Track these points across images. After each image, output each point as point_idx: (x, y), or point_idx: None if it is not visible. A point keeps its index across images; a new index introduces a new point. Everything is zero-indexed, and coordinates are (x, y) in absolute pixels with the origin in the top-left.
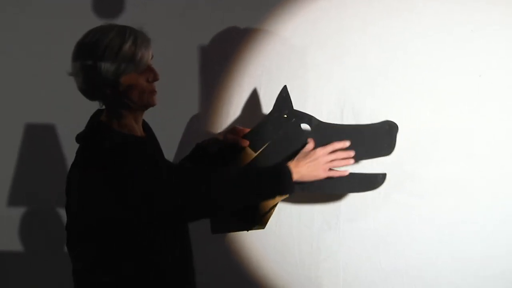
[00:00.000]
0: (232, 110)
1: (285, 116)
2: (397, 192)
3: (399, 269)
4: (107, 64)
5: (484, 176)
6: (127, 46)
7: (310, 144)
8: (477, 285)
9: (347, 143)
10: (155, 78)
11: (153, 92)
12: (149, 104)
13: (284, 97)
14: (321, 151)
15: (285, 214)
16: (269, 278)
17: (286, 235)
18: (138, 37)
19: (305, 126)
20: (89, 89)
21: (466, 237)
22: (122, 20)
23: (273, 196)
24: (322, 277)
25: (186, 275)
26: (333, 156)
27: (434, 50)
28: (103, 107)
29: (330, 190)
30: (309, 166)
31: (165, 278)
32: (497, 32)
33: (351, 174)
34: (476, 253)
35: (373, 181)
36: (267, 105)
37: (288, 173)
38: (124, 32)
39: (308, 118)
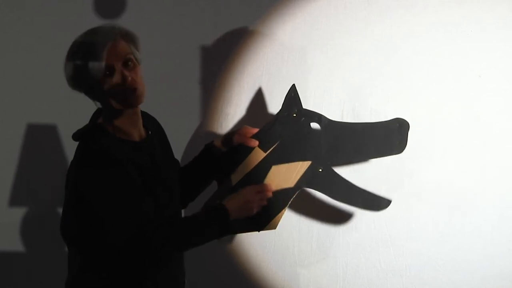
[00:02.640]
0: (232, 110)
1: (294, 115)
2: (396, 192)
3: (398, 269)
4: (77, 67)
5: (483, 176)
6: (89, 49)
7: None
8: (476, 284)
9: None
10: (124, 81)
11: (130, 92)
12: (132, 104)
13: (292, 96)
14: (252, 190)
15: (285, 214)
16: (268, 278)
17: (286, 235)
18: (104, 40)
19: (315, 125)
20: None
21: (465, 237)
22: (122, 19)
23: (211, 238)
24: (321, 277)
25: (177, 279)
26: (262, 195)
27: (434, 50)
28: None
29: (333, 196)
30: (242, 206)
31: (155, 278)
32: (497, 33)
33: (359, 188)
34: (475, 252)
35: (376, 203)
36: (268, 105)
37: (226, 216)
38: (95, 34)
39: (318, 117)
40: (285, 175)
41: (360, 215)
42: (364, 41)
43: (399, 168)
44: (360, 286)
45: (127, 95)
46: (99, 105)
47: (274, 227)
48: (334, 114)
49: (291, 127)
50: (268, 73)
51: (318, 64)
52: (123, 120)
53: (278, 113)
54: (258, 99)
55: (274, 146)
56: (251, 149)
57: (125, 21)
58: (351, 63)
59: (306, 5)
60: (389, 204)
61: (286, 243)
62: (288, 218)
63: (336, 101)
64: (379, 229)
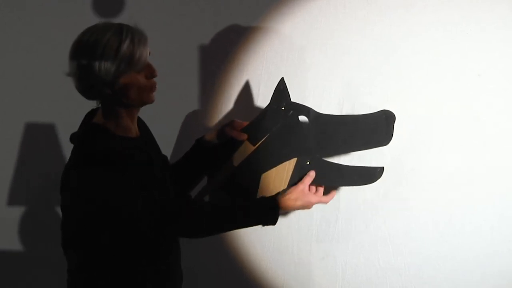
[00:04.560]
0: (231, 109)
1: (283, 108)
2: (395, 191)
3: (397, 267)
4: (106, 64)
5: (483, 175)
6: (125, 46)
7: (308, 179)
8: (476, 283)
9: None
10: (153, 75)
11: (152, 89)
12: (147, 101)
13: (281, 89)
14: (308, 191)
15: (284, 213)
16: (267, 277)
17: (285, 233)
18: (135, 36)
19: (303, 118)
20: (87, 89)
21: (464, 236)
22: (122, 19)
23: (253, 225)
24: (320, 276)
25: (174, 278)
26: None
27: (433, 50)
28: (99, 105)
29: (329, 182)
30: (298, 207)
31: (153, 280)
32: (496, 32)
33: (349, 167)
34: (475, 252)
35: (371, 175)
36: (266, 104)
37: (276, 209)
38: (121, 31)
39: (306, 110)
40: (275, 180)
41: (359, 214)
42: (363, 40)
43: (398, 168)
44: (359, 285)
45: (150, 91)
46: (95, 104)
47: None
48: (333, 113)
49: (280, 120)
50: (267, 72)
51: (317, 63)
52: (126, 117)
53: (267, 106)
54: (257, 96)
55: (263, 140)
56: (241, 142)
57: (124, 21)
58: (350, 62)
59: (306, 5)
60: (382, 172)
61: (285, 242)
62: (287, 218)
63: (335, 100)
64: (378, 228)
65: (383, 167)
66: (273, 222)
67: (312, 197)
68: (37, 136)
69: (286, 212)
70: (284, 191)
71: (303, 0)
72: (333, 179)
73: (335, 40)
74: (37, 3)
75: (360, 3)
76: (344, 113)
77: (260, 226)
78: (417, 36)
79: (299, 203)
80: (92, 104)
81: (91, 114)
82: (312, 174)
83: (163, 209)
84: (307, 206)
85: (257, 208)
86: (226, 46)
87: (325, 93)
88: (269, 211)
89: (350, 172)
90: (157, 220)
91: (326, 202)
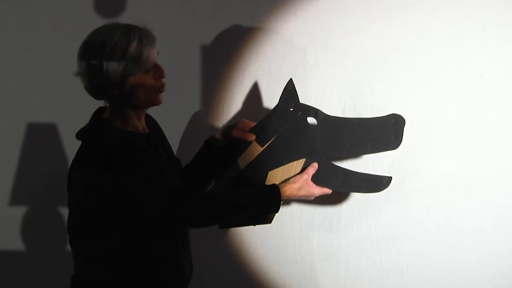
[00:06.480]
0: (233, 108)
1: (291, 109)
2: (397, 191)
3: (399, 268)
4: (114, 65)
5: (483, 175)
6: (133, 46)
7: (311, 170)
8: (476, 283)
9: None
10: (162, 75)
11: (160, 89)
12: (155, 102)
13: (290, 90)
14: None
15: (286, 212)
16: (269, 277)
17: (287, 233)
18: (143, 36)
19: (311, 120)
20: (95, 89)
21: (465, 236)
22: (123, 19)
23: (256, 211)
24: (322, 276)
25: (181, 277)
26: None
27: (435, 49)
28: (107, 105)
29: (335, 187)
30: (300, 196)
31: (160, 278)
32: (498, 31)
33: (356, 173)
34: (475, 251)
35: (378, 183)
36: (268, 104)
37: (278, 198)
38: (129, 32)
39: (315, 112)
40: (282, 178)
41: (361, 214)
42: (364, 40)
43: (400, 168)
44: (361, 286)
45: (158, 92)
46: (96, 103)
47: (269, 222)
48: (335, 112)
49: (288, 122)
50: (269, 72)
51: (319, 63)
52: (133, 116)
53: (275, 107)
54: (258, 95)
55: (271, 141)
56: (249, 143)
57: (125, 21)
58: (351, 62)
59: (307, 4)
60: (390, 181)
61: (287, 242)
62: (290, 217)
63: (337, 99)
64: (380, 228)
65: (391, 177)
66: (275, 208)
67: (314, 188)
68: (38, 136)
69: (288, 200)
70: (288, 180)
71: (305, 0)
72: (338, 185)
73: (336, 39)
74: (37, 3)
75: (362, 3)
76: (346, 112)
77: (261, 226)
78: (419, 36)
79: (301, 192)
80: (94, 104)
81: (99, 111)
82: (315, 165)
83: (172, 196)
84: (309, 196)
85: (260, 192)
86: (227, 46)
87: (327, 93)
88: (272, 196)
89: (356, 178)
90: (166, 207)
91: (329, 193)
